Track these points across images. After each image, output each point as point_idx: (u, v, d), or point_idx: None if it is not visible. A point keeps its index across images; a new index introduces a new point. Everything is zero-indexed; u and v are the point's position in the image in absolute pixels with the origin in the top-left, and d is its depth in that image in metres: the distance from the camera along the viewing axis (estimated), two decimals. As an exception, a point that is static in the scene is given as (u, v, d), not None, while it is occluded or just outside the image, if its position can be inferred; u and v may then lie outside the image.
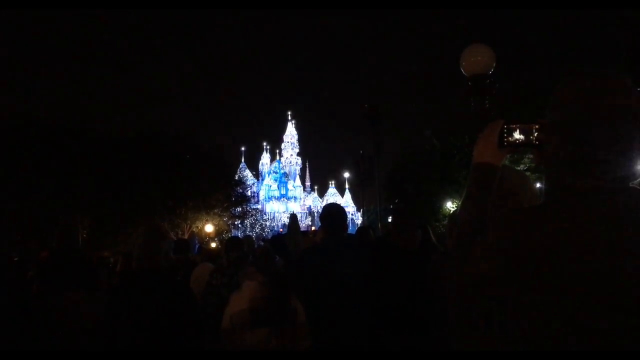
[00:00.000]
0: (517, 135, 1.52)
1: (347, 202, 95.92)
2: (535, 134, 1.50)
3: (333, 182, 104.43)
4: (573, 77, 1.38)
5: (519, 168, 24.12)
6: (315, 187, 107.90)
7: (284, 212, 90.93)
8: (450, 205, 30.49)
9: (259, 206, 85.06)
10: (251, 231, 61.72)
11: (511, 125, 1.54)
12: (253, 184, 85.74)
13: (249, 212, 52.03)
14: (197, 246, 17.01)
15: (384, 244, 4.35)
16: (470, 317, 2.07)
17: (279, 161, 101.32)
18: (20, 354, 3.43)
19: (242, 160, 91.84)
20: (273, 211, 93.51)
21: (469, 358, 2.15)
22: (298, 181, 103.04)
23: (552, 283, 1.24)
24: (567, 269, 1.23)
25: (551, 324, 1.25)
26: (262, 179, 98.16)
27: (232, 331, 3.85)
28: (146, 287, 3.33)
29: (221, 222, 40.98)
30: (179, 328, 3.25)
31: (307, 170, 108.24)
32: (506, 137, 1.53)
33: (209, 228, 37.86)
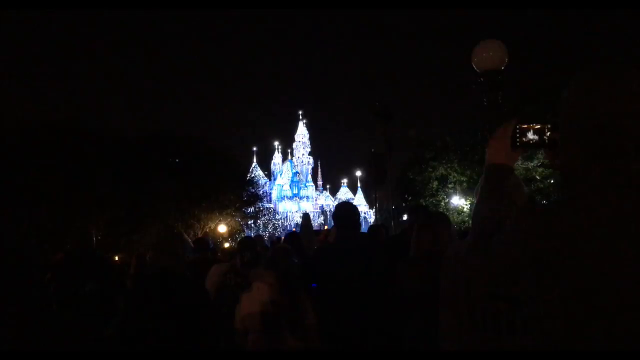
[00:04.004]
0: (530, 135, 1.53)
1: (359, 200, 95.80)
2: (548, 134, 1.50)
3: (345, 180, 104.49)
4: (587, 70, 1.37)
5: (532, 164, 24.01)
6: (328, 186, 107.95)
7: (296, 211, 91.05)
8: (464, 203, 30.35)
9: (272, 206, 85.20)
10: (264, 231, 61.86)
11: (524, 126, 1.54)
12: (265, 183, 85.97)
13: (262, 211, 52.15)
14: (211, 246, 17.15)
15: (400, 242, 4.33)
16: (476, 318, 2.05)
17: (291, 161, 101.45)
18: (31, 355, 3.46)
19: (254, 160, 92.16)
20: (286, 211, 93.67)
21: (472, 358, 2.14)
22: (310, 180, 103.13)
23: (570, 281, 1.23)
24: (587, 267, 1.21)
25: (570, 323, 1.23)
26: (274, 179, 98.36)
27: (245, 331, 3.87)
28: (161, 288, 3.34)
29: (234, 222, 41.11)
30: (192, 329, 3.26)
31: (319, 169, 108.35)
32: (519, 138, 1.54)
33: (222, 228, 38.00)
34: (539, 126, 1.52)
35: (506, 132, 1.56)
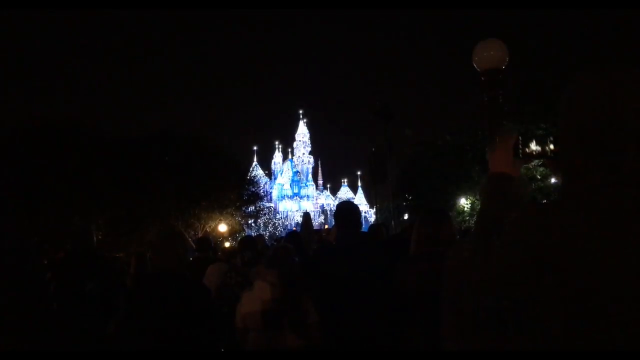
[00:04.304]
0: (533, 146, 1.58)
1: (360, 200, 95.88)
2: (551, 146, 1.52)
3: (345, 180, 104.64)
4: (588, 70, 1.37)
5: (532, 163, 24.01)
6: (328, 186, 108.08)
7: (297, 210, 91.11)
8: (464, 202, 30.36)
9: (272, 205, 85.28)
10: (264, 230, 61.97)
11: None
12: (265, 183, 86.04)
13: (262, 211, 52.21)
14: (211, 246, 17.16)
15: (401, 241, 4.32)
16: (479, 317, 2.05)
17: (292, 160, 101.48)
18: (34, 354, 3.46)
19: (255, 159, 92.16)
20: (286, 210, 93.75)
21: (475, 358, 2.14)
22: (311, 180, 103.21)
23: (571, 281, 1.22)
24: (588, 266, 1.21)
25: (571, 323, 1.22)
26: (275, 178, 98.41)
27: (246, 330, 3.87)
28: (161, 288, 3.34)
29: (234, 221, 41.10)
30: (193, 329, 3.25)
31: (320, 168, 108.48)
32: (522, 148, 1.57)
33: (223, 228, 38.00)
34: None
35: (509, 142, 1.59)
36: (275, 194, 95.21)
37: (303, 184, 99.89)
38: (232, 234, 40.87)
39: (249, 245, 5.27)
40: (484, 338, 2.04)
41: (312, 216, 11.86)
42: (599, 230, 1.22)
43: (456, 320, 2.23)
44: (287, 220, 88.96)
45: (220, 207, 38.06)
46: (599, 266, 1.20)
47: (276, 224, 77.37)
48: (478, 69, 6.35)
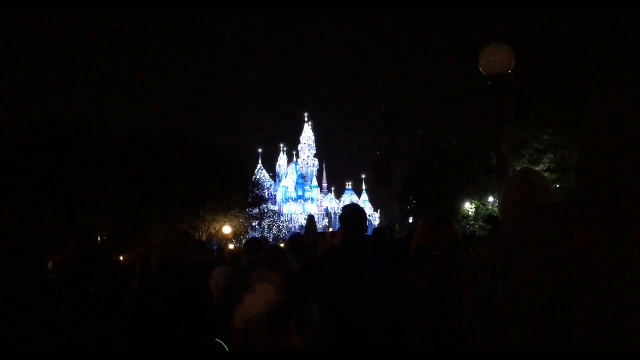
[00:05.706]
0: None
1: (364, 203, 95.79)
2: None
3: (350, 183, 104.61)
4: (620, 81, 1.37)
5: (538, 168, 23.94)
6: (332, 189, 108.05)
7: (301, 213, 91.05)
8: (469, 206, 30.30)
9: (276, 207, 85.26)
10: (268, 232, 62.00)
11: None
12: (270, 185, 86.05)
13: (266, 213, 52.27)
14: (215, 247, 17.15)
15: (405, 244, 4.32)
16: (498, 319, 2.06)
17: (296, 162, 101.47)
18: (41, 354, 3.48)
19: (259, 161, 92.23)
20: (290, 212, 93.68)
21: (481, 357, 2.15)
22: (315, 182, 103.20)
23: (587, 285, 1.22)
24: (592, 270, 1.21)
25: (591, 323, 1.22)
26: (279, 181, 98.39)
27: (247, 331, 3.85)
28: (166, 285, 3.35)
29: (238, 223, 41.14)
30: (196, 328, 3.26)
31: (324, 171, 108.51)
32: None
33: (227, 229, 38.04)
34: None
35: None
36: (279, 196, 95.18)
37: (307, 187, 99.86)
38: (236, 235, 40.91)
39: (254, 248, 5.27)
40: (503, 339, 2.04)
41: (315, 219, 11.87)
42: (603, 232, 1.22)
43: (479, 323, 2.24)
44: (291, 223, 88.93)
45: (225, 209, 38.11)
46: (605, 269, 1.20)
47: (280, 227, 77.36)
48: (484, 74, 6.34)
